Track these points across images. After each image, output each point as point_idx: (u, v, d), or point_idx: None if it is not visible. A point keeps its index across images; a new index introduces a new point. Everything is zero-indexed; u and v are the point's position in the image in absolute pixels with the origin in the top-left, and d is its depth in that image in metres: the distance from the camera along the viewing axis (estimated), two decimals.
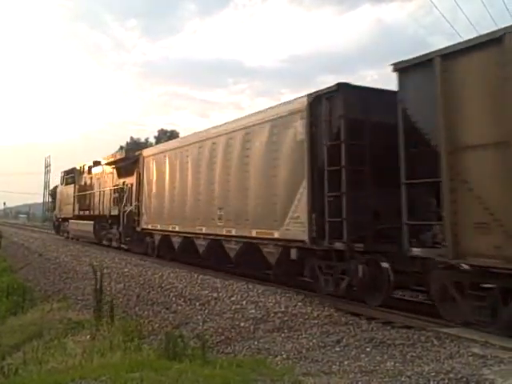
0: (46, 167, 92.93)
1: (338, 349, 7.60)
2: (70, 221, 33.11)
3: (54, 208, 43.26)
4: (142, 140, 62.96)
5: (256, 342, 8.16)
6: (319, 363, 6.91)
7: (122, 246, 23.98)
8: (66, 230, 34.96)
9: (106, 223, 26.52)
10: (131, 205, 22.73)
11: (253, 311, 10.21)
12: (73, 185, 33.31)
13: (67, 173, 35.64)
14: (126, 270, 16.78)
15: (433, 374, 6.17)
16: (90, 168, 30.97)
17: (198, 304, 11.20)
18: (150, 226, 20.71)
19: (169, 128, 67.05)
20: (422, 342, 7.75)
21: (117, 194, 25.13)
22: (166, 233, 19.19)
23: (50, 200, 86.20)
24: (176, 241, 18.50)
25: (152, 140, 62.01)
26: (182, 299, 11.79)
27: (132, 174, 23.15)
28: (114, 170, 26.25)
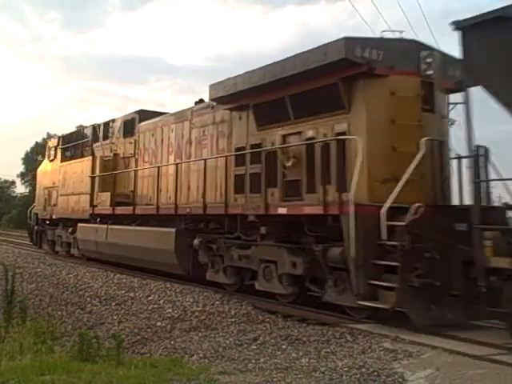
0: None
1: (254, 347, 7.66)
2: (82, 225, 18.39)
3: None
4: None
5: (172, 342, 8.09)
6: (235, 361, 6.93)
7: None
8: (66, 241, 20.51)
9: (226, 235, 12.01)
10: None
11: (170, 310, 10.14)
12: (87, 159, 19.14)
13: (67, 140, 21.61)
14: (39, 269, 16.23)
15: (346, 369, 6.33)
16: (127, 124, 17.30)
17: (113, 304, 11.01)
18: None
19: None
20: (336, 338, 7.96)
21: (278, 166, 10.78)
22: None
23: None
24: None
25: None
26: (98, 299, 11.56)
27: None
28: (248, 113, 11.80)
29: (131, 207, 15.77)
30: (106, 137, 18.46)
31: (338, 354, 7.12)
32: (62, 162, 21.40)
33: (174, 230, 13.39)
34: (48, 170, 22.94)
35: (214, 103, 12.91)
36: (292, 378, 6.09)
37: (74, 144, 20.84)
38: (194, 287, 12.31)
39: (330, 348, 7.42)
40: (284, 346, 7.61)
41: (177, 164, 14.07)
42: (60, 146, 21.75)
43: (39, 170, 24.60)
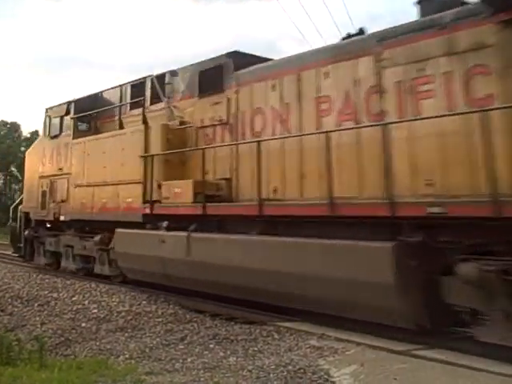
0: None
1: (181, 346, 7.61)
2: (124, 231, 12.21)
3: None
4: None
5: (98, 343, 7.93)
6: (162, 361, 6.86)
7: None
8: (82, 253, 14.19)
9: None
10: None
11: (95, 311, 9.95)
12: (131, 130, 12.57)
13: (82, 106, 14.78)
14: None
15: (273, 367, 6.37)
16: (208, 76, 11.44)
17: (36, 305, 10.68)
18: None
19: (9, 120, 63.35)
20: (263, 336, 8.01)
21: None
22: None
23: None
24: None
25: None
26: (19, 300, 11.18)
27: None
28: None
29: (255, 205, 9.36)
30: (158, 98, 12.52)
31: (265, 352, 7.17)
32: (75, 137, 14.60)
33: (390, 244, 7.31)
34: (48, 150, 15.81)
35: (449, 18, 7.56)
36: (219, 377, 6.09)
37: (99, 110, 14.44)
38: (120, 287, 12.12)
39: (257, 346, 7.46)
40: (211, 346, 7.60)
41: (399, 123, 7.80)
42: (71, 116, 14.87)
43: (29, 151, 17.73)
